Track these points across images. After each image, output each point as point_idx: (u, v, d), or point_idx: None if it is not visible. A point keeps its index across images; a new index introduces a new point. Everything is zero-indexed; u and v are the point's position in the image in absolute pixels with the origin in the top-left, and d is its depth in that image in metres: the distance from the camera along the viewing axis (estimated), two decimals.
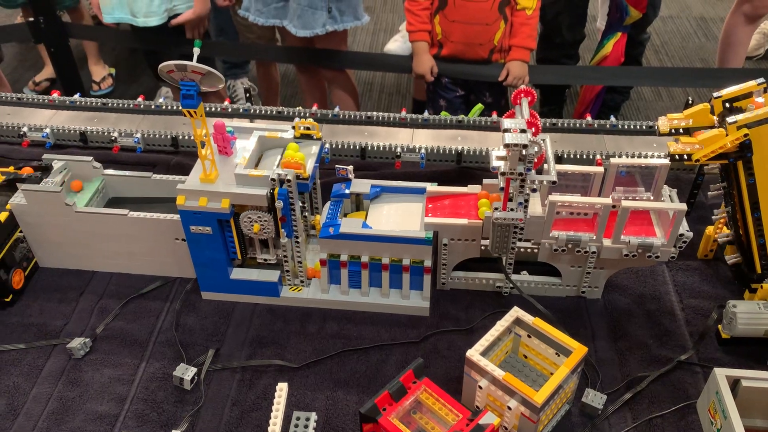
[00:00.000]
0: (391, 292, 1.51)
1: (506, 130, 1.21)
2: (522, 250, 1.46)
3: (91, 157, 1.59)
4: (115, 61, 4.41)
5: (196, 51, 1.31)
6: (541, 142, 1.23)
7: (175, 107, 1.88)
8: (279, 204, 1.37)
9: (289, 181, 1.37)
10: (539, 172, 1.32)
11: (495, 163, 1.26)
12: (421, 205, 1.51)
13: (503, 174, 1.25)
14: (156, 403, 1.34)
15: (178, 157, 1.93)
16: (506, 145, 1.19)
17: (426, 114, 1.84)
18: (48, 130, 1.82)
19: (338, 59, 3.04)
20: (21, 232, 1.57)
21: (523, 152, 1.21)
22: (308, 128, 1.50)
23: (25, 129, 1.83)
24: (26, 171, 1.62)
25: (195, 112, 1.31)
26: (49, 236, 1.57)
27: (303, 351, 1.44)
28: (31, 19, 3.09)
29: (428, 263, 1.44)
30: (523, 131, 1.20)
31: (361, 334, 1.47)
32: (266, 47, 3.64)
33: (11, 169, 1.58)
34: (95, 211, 1.52)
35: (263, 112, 1.86)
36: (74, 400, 1.35)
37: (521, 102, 1.32)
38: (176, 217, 1.49)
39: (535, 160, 1.26)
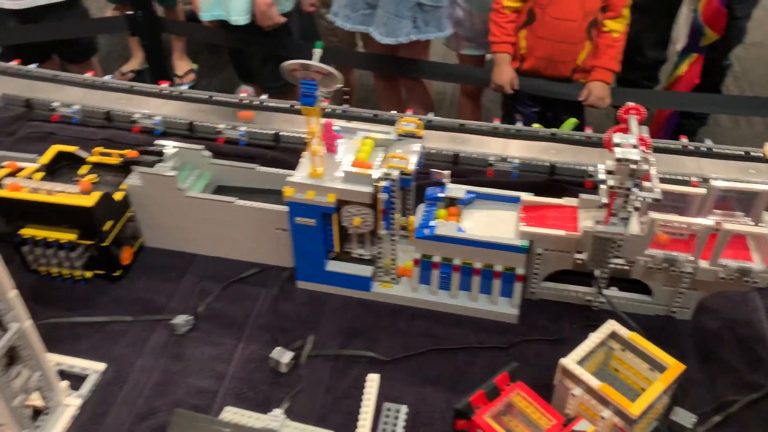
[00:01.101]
0: (480, 297, 1.54)
1: (617, 145, 1.23)
2: (614, 266, 1.48)
3: (203, 146, 1.68)
4: (196, 57, 4.58)
5: (318, 52, 1.38)
6: (651, 159, 1.25)
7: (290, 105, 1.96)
8: (383, 196, 1.42)
9: (393, 176, 1.42)
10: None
11: (602, 176, 1.29)
12: (515, 214, 1.55)
13: (611, 188, 1.27)
14: (253, 382, 1.41)
15: (274, 152, 2.02)
16: (617, 160, 1.21)
17: (519, 125, 1.88)
18: (159, 118, 1.93)
19: (417, 68, 3.09)
20: (132, 211, 1.67)
21: (634, 168, 1.23)
22: (411, 127, 1.56)
23: (137, 115, 1.94)
24: (132, 154, 1.71)
25: (313, 110, 1.38)
26: (157, 217, 1.67)
27: (393, 346, 1.48)
28: (130, 12, 3.25)
29: (521, 271, 1.47)
30: (634, 147, 1.23)
31: (448, 335, 1.51)
32: (349, 52, 3.73)
33: (127, 152, 1.68)
34: (204, 197, 1.61)
35: (360, 114, 1.92)
36: (176, 374, 1.43)
37: (630, 118, 1.34)
38: (280, 207, 1.57)
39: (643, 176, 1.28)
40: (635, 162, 1.21)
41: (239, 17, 2.90)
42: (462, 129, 1.88)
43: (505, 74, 2.63)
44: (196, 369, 1.44)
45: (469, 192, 1.57)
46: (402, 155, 1.46)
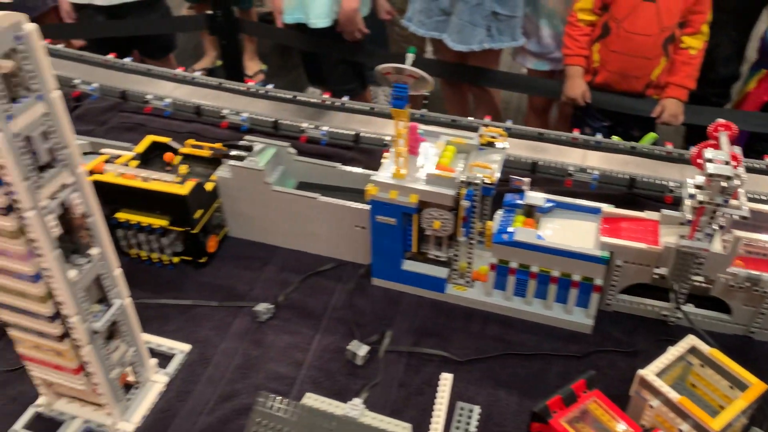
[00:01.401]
0: (554, 305, 1.55)
1: (709, 161, 1.23)
2: (694, 283, 1.47)
3: (289, 143, 1.74)
4: (265, 58, 4.71)
5: (410, 57, 1.42)
6: (743, 176, 1.25)
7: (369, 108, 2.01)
8: (465, 203, 1.46)
9: (476, 184, 1.45)
10: None
11: (690, 191, 1.29)
12: (594, 225, 1.55)
13: (700, 203, 1.27)
14: (329, 372, 1.46)
15: (352, 152, 2.08)
16: (709, 175, 1.22)
17: (599, 136, 1.88)
18: (245, 115, 2.00)
19: (489, 77, 3.11)
20: (220, 202, 1.74)
21: (725, 184, 1.23)
22: (493, 136, 1.58)
23: (225, 111, 2.03)
24: (216, 146, 1.79)
25: (402, 112, 1.42)
26: (243, 209, 1.74)
27: (466, 348, 1.51)
28: (209, 12, 3.37)
29: (599, 282, 1.48)
30: (726, 163, 1.23)
31: (522, 341, 1.53)
32: (421, 59, 3.77)
33: (218, 145, 1.76)
34: (290, 192, 1.67)
35: (438, 119, 1.96)
36: (257, 359, 1.49)
37: (720, 135, 1.34)
38: (361, 205, 1.61)
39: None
40: (728, 178, 1.21)
41: (319, 20, 2.98)
42: (541, 138, 1.89)
43: (577, 87, 2.62)
44: (275, 355, 1.50)
45: (548, 200, 1.59)
46: (485, 164, 1.49)
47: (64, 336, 1.19)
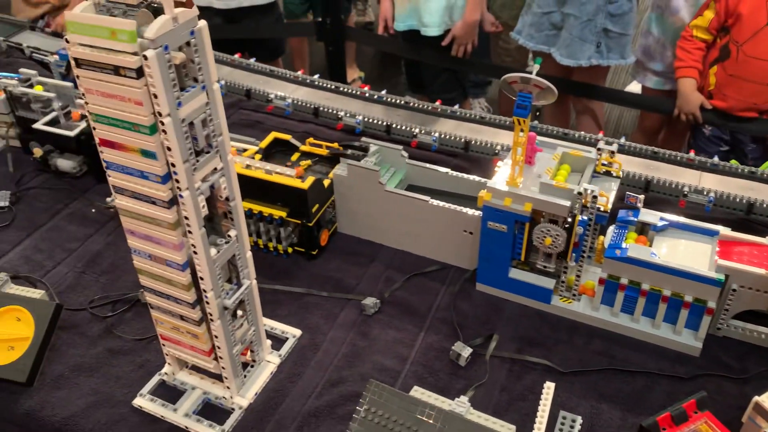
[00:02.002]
0: (663, 325, 1.54)
1: None
2: None
3: (402, 146, 1.80)
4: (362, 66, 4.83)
5: (536, 67, 1.45)
6: None
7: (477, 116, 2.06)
8: (579, 230, 1.47)
9: (591, 211, 1.47)
10: None
11: None
12: (710, 247, 1.53)
13: None
14: (434, 370, 1.50)
15: (458, 160, 2.12)
16: None
17: (716, 159, 1.84)
18: (360, 118, 2.09)
19: (596, 92, 3.08)
20: (333, 199, 1.82)
21: None
22: (610, 165, 1.59)
23: (342, 113, 2.11)
24: (334, 145, 1.87)
25: (524, 121, 1.45)
26: (355, 207, 1.81)
27: (569, 359, 1.52)
28: (319, 19, 3.51)
29: (712, 305, 1.46)
30: None
31: (627, 358, 1.52)
32: (521, 71, 3.78)
33: (335, 144, 1.84)
34: (401, 193, 1.73)
35: (551, 131, 1.97)
36: (364, 350, 1.55)
37: None
38: (471, 211, 1.65)
39: None
40: None
41: (432, 29, 3.05)
42: (655, 156, 1.87)
43: (693, 101, 2.56)
44: (381, 348, 1.55)
45: (663, 219, 1.58)
46: (601, 192, 1.49)
47: (202, 321, 1.30)
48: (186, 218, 1.15)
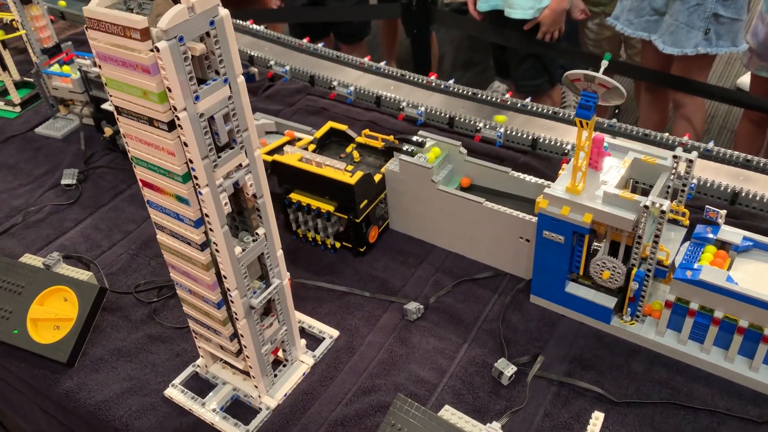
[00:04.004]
0: (737, 358, 1.36)
1: None
2: None
3: (460, 142, 1.69)
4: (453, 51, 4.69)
5: (605, 63, 1.30)
6: None
7: (553, 112, 1.91)
8: (634, 285, 1.34)
9: (650, 265, 1.33)
10: None
11: None
12: None
13: None
14: (472, 387, 1.40)
15: (527, 157, 1.98)
16: None
17: None
18: (422, 109, 1.98)
19: (696, 87, 2.82)
20: (385, 194, 1.74)
21: None
22: (677, 213, 1.43)
23: (404, 104, 2.02)
24: (389, 138, 1.77)
25: (587, 123, 1.31)
26: (406, 204, 1.72)
27: (624, 387, 1.37)
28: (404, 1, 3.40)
29: None
30: None
31: (691, 392, 1.35)
32: (621, 63, 3.54)
33: (391, 137, 1.75)
34: (455, 193, 1.62)
35: (629, 131, 1.80)
36: (401, 357, 1.47)
37: None
38: (529, 216, 1.53)
39: None
40: None
41: (519, 11, 2.90)
42: (747, 164, 1.66)
43: None
44: (419, 357, 1.47)
45: (746, 238, 1.39)
46: (662, 246, 1.35)
47: (227, 321, 1.28)
48: (207, 215, 1.10)
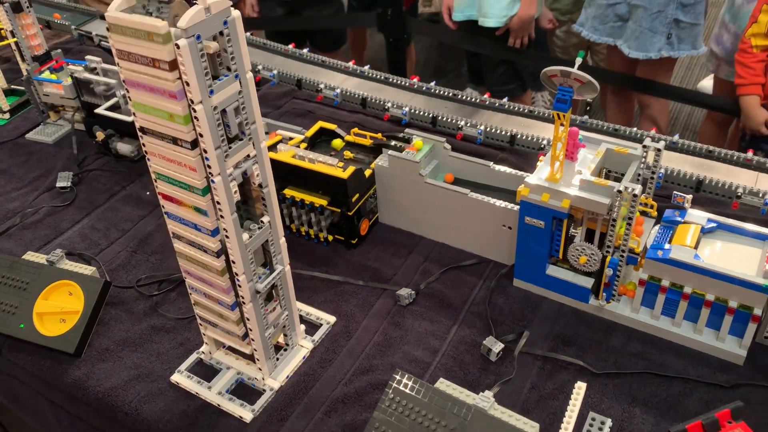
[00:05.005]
0: (705, 331, 1.48)
1: None
2: None
3: (444, 139, 1.80)
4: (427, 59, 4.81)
5: (579, 60, 1.41)
6: None
7: (525, 109, 2.04)
8: (608, 272, 1.45)
9: (623, 250, 1.46)
10: None
11: None
12: (760, 252, 1.46)
13: None
14: (463, 363, 1.49)
15: (504, 153, 2.09)
16: None
17: None
18: (407, 109, 2.09)
19: (661, 89, 2.98)
20: (375, 189, 1.83)
21: None
22: (646, 206, 1.55)
23: (389, 105, 2.12)
24: (377, 136, 1.87)
25: (564, 115, 1.42)
26: (395, 198, 1.82)
27: (603, 360, 1.48)
28: (380, 10, 3.51)
29: (758, 312, 1.39)
30: None
31: (664, 362, 1.47)
32: (588, 66, 3.69)
33: (378, 135, 1.85)
34: (441, 186, 1.72)
35: (600, 126, 1.92)
36: (395, 340, 1.56)
37: None
38: (511, 205, 1.63)
39: None
40: None
41: (491, 20, 3.03)
42: (709, 155, 1.79)
43: (757, 117, 2.45)
44: (412, 339, 1.56)
45: (710, 220, 1.52)
46: (633, 233, 1.46)
47: (235, 306, 1.36)
48: (218, 203, 1.18)
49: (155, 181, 1.23)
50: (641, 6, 2.83)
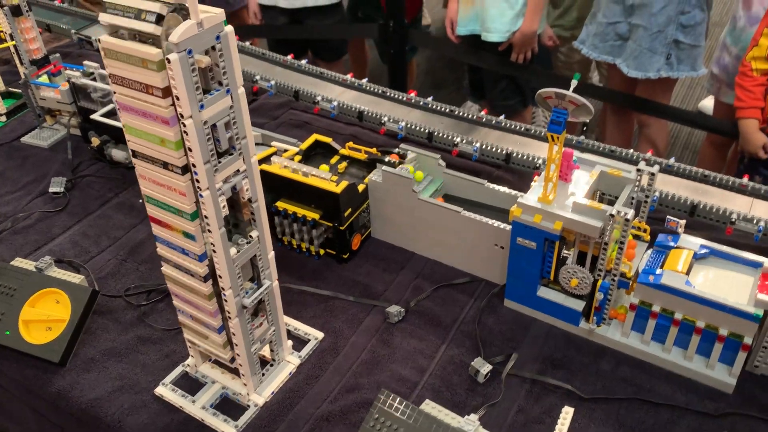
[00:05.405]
0: (695, 357, 1.47)
1: None
2: None
3: (439, 155, 1.79)
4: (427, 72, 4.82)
5: (574, 82, 1.41)
6: None
7: (522, 128, 2.03)
8: (599, 296, 1.45)
9: (615, 274, 1.45)
10: None
11: None
12: (753, 279, 1.45)
13: None
14: (451, 384, 1.48)
15: (500, 171, 2.09)
16: None
17: None
18: (403, 124, 2.08)
19: (661, 109, 2.97)
20: (368, 203, 1.83)
21: None
22: (639, 229, 1.54)
23: (385, 119, 2.12)
24: (372, 151, 1.87)
25: (558, 137, 1.41)
26: (388, 213, 1.81)
27: (592, 384, 1.47)
28: (382, 21, 3.51)
29: (749, 341, 1.38)
30: None
31: (653, 388, 1.46)
32: (589, 85, 3.70)
33: (373, 150, 1.85)
34: (434, 203, 1.71)
35: (596, 147, 1.92)
36: (383, 358, 1.55)
37: None
38: (503, 225, 1.62)
39: None
40: None
41: (495, 35, 3.03)
42: (705, 179, 1.79)
43: (756, 141, 2.44)
44: (400, 357, 1.55)
45: (703, 246, 1.51)
46: (625, 257, 1.46)
47: (217, 314, 1.34)
48: (206, 217, 1.18)
49: (145, 203, 1.24)
50: (641, 26, 2.83)
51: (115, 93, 1.10)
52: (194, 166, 1.11)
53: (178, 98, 1.04)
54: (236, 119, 1.15)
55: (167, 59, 1.00)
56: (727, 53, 2.80)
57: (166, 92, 1.03)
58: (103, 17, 1.04)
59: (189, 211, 1.16)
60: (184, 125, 1.06)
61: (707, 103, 4.10)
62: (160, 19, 1.00)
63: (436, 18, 4.93)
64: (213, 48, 1.07)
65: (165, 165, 1.13)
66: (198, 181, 1.13)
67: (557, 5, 3.74)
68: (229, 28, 1.08)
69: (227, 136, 1.14)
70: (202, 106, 1.07)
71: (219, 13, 1.05)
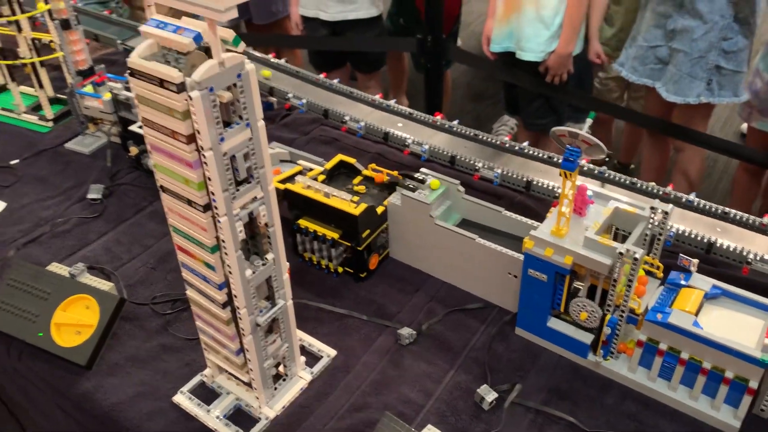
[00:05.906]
0: (701, 397, 1.47)
1: None
2: None
3: (459, 181, 1.83)
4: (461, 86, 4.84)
5: (589, 122, 1.43)
6: None
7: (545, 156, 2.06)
8: (607, 330, 1.47)
9: (623, 310, 1.46)
10: None
11: None
12: (763, 323, 1.45)
13: None
14: (456, 409, 1.52)
15: (522, 197, 2.11)
16: None
17: None
18: (426, 147, 2.13)
19: (696, 137, 2.95)
20: (387, 225, 1.87)
21: None
22: (652, 266, 1.55)
23: (409, 141, 2.16)
24: (393, 173, 1.91)
25: (571, 174, 1.44)
26: (406, 235, 1.86)
27: (596, 418, 1.49)
28: (419, 36, 3.56)
29: (754, 385, 1.38)
30: None
31: (657, 425, 1.47)
32: (619, 107, 3.68)
33: (395, 173, 1.89)
34: (450, 228, 1.75)
35: (617, 179, 1.93)
36: (393, 379, 1.59)
37: None
38: (517, 254, 1.65)
39: None
40: None
41: (530, 54, 3.05)
42: (724, 217, 1.78)
43: None
44: (409, 379, 1.59)
45: (715, 287, 1.51)
46: (634, 294, 1.48)
47: (235, 337, 1.41)
48: (223, 241, 1.24)
49: (172, 233, 1.32)
50: (682, 51, 2.81)
51: (145, 134, 1.19)
52: (213, 194, 1.18)
53: (199, 132, 1.10)
54: (255, 150, 1.21)
55: (189, 96, 1.06)
56: (759, 79, 2.76)
57: (190, 139, 1.12)
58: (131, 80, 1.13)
59: (210, 245, 1.25)
60: (204, 156, 1.13)
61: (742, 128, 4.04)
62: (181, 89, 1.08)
63: (464, 34, 4.94)
64: (234, 85, 1.13)
65: (189, 202, 1.22)
66: (216, 207, 1.19)
67: (612, 23, 3.66)
68: (251, 67, 1.14)
69: (245, 166, 1.21)
70: (222, 139, 1.14)
71: (240, 52, 1.11)
